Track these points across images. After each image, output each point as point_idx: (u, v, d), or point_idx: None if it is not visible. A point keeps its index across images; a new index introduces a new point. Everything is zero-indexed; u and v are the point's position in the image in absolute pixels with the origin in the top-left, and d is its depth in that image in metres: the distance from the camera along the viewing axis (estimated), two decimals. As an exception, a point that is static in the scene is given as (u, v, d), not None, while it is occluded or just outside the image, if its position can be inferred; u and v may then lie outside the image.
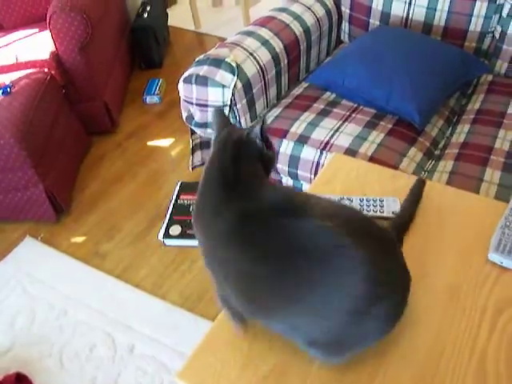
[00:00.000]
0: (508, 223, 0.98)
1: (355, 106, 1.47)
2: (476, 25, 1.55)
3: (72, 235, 1.86)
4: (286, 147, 1.37)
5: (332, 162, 1.17)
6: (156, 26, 2.76)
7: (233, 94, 1.35)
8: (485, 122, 1.40)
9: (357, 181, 1.06)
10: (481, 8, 1.53)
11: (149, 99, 2.51)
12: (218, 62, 1.36)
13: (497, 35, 1.57)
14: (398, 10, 1.65)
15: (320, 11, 1.68)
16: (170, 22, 3.12)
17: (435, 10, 1.58)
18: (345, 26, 1.80)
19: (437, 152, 1.40)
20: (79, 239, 1.84)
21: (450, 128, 1.48)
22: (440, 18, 1.59)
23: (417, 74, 1.40)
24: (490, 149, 1.30)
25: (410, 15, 1.63)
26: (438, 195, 1.06)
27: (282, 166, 1.40)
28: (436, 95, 1.41)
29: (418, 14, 1.62)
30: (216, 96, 1.35)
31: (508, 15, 1.52)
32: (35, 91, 1.83)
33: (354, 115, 1.43)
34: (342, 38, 1.84)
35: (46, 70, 1.97)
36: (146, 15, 2.77)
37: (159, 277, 1.68)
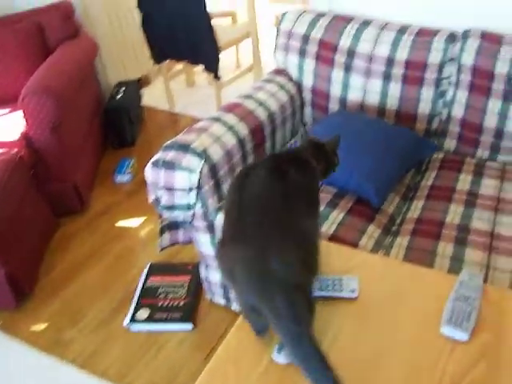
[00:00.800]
0: (458, 296, 1.10)
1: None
2: (424, 108, 1.79)
3: (34, 321, 1.90)
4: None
5: None
6: (130, 106, 2.98)
7: (199, 178, 1.48)
8: (437, 197, 1.57)
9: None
10: (427, 93, 1.76)
11: (119, 178, 2.66)
12: (185, 148, 1.51)
13: (444, 117, 1.79)
14: (354, 96, 1.88)
15: (284, 97, 1.89)
16: (145, 101, 3.38)
17: (387, 95, 1.82)
18: (307, 110, 2.02)
19: (394, 228, 1.55)
20: (41, 326, 1.88)
21: (406, 204, 1.64)
22: (392, 103, 1.82)
23: (374, 155, 1.58)
24: (442, 223, 1.46)
25: (366, 100, 1.86)
26: (394, 271, 1.18)
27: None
28: (392, 175, 1.59)
29: (372, 99, 1.85)
30: (183, 180, 1.48)
31: (452, 100, 1.75)
32: (1, 172, 1.91)
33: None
34: (305, 120, 2.05)
35: (15, 150, 2.07)
36: (119, 96, 3.00)
37: (125, 364, 1.71)
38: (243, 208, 0.91)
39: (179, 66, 3.47)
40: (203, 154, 1.50)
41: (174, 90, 3.51)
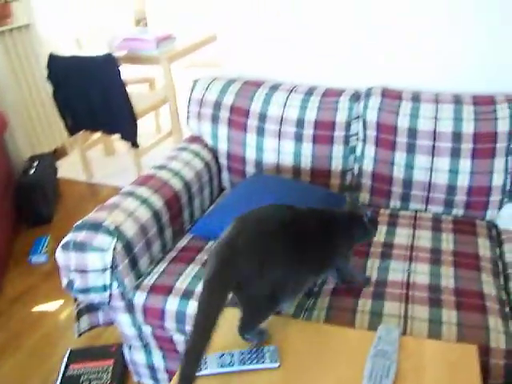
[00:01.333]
0: (377, 352, 1.15)
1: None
2: (337, 165, 1.90)
3: None
4: (171, 304, 1.49)
5: None
6: (44, 180, 2.93)
7: (113, 257, 1.48)
8: (354, 253, 1.61)
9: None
10: (338, 150, 1.89)
11: (35, 259, 2.56)
12: (96, 227, 1.51)
13: (356, 172, 1.92)
14: (269, 158, 1.97)
15: (199, 165, 1.95)
16: (62, 174, 3.34)
17: (300, 155, 1.92)
18: (224, 175, 2.09)
19: (315, 289, 1.58)
20: None
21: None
22: (306, 162, 1.92)
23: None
24: (364, 280, 1.51)
25: (281, 161, 1.96)
26: (315, 334, 1.22)
27: (169, 323, 1.50)
28: None
29: (287, 160, 1.94)
30: (96, 261, 1.47)
31: (361, 155, 1.88)
32: None
33: None
34: (223, 185, 2.12)
35: None
36: (32, 171, 2.95)
37: None
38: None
39: (97, 134, 3.49)
40: (115, 232, 1.50)
41: (93, 159, 3.51)
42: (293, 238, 1.24)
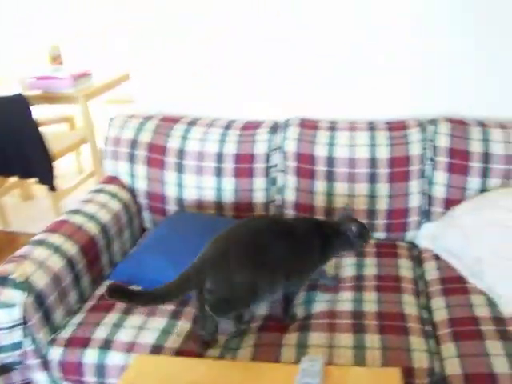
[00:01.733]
0: (301, 386, 1.16)
1: (161, 295, 1.65)
2: (259, 197, 1.94)
3: None
4: (90, 357, 1.45)
5: (134, 365, 1.28)
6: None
7: (23, 312, 1.41)
8: None
9: (162, 381, 1.17)
10: (260, 183, 1.93)
11: None
12: (2, 281, 1.44)
13: (278, 203, 1.96)
14: (190, 194, 1.98)
15: (116, 206, 1.92)
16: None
17: (222, 190, 1.94)
18: (145, 215, 2.07)
19: (243, 327, 1.57)
20: None
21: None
22: (228, 196, 1.94)
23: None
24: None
25: (202, 197, 1.97)
26: (240, 374, 1.22)
27: (89, 377, 1.45)
28: None
29: (209, 195, 1.96)
30: (3, 317, 1.40)
31: (283, 186, 1.93)
32: None
33: (159, 306, 1.58)
34: (145, 226, 2.09)
35: None
36: None
37: None
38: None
39: (12, 178, 3.37)
40: (24, 285, 1.44)
41: (9, 205, 3.37)
42: (262, 250, 1.44)
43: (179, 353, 1.43)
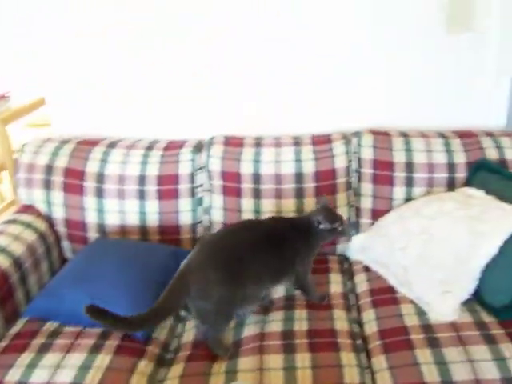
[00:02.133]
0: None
1: (79, 329, 1.57)
2: (186, 219, 1.93)
3: None
4: (3, 402, 1.36)
5: None
6: None
7: None
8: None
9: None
10: (185, 204, 1.91)
11: None
12: None
13: (206, 224, 1.96)
14: (111, 220, 1.93)
15: (31, 237, 1.84)
16: None
17: (146, 213, 1.91)
18: (65, 244, 1.99)
19: (169, 356, 1.56)
20: None
21: (181, 325, 1.68)
22: (153, 220, 1.92)
23: (132, 283, 1.60)
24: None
25: (125, 222, 1.93)
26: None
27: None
28: (154, 300, 1.53)
29: (132, 219, 1.93)
30: None
31: (209, 205, 1.93)
32: None
33: (78, 342, 1.53)
34: (66, 256, 2.01)
35: None
36: None
37: None
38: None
39: None
40: None
41: None
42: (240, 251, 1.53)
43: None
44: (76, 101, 2.16)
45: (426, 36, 1.96)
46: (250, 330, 1.55)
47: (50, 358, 1.47)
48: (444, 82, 2.03)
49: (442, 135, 1.94)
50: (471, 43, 1.96)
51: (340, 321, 1.57)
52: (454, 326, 1.49)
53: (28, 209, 1.97)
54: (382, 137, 1.92)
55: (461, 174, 1.86)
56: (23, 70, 3.28)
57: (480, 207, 1.65)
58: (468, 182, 1.84)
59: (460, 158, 1.87)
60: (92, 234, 1.95)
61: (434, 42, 1.96)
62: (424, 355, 1.40)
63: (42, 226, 1.92)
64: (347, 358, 1.43)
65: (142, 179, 1.91)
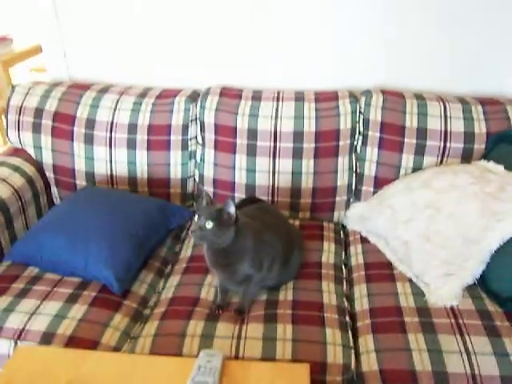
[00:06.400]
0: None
1: (59, 278, 1.50)
2: (176, 172, 1.80)
3: None
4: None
5: (16, 357, 1.18)
6: None
7: None
8: (194, 270, 1.55)
9: (43, 375, 1.08)
10: (176, 156, 1.78)
11: None
12: None
13: (197, 179, 1.83)
14: (101, 169, 1.82)
15: (18, 181, 1.74)
16: None
17: (135, 164, 1.79)
18: (54, 190, 1.90)
19: (146, 312, 1.47)
20: None
21: (163, 281, 1.59)
22: (142, 171, 1.80)
23: (114, 235, 1.50)
24: (197, 299, 1.43)
25: (114, 172, 1.81)
26: (126, 367, 1.12)
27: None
28: (134, 254, 1.51)
29: (121, 170, 1.81)
30: None
31: (201, 160, 1.80)
32: None
33: (56, 289, 1.46)
34: (54, 202, 1.92)
35: None
36: None
37: None
38: None
39: None
40: None
41: None
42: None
43: (72, 339, 1.30)
44: (71, 47, 2.00)
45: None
46: (233, 296, 1.44)
47: (27, 304, 1.40)
48: (469, 41, 1.79)
49: (462, 100, 1.73)
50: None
51: (328, 294, 1.44)
52: (453, 312, 1.34)
53: (18, 152, 1.88)
54: (393, 97, 1.73)
55: (479, 146, 1.66)
56: (25, 13, 3.14)
57: (498, 184, 1.47)
58: (487, 155, 1.64)
59: (480, 128, 1.66)
60: (81, 182, 1.85)
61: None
62: (417, 340, 1.27)
63: (30, 170, 1.82)
64: (332, 334, 1.31)
65: (132, 128, 1.78)
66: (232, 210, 1.29)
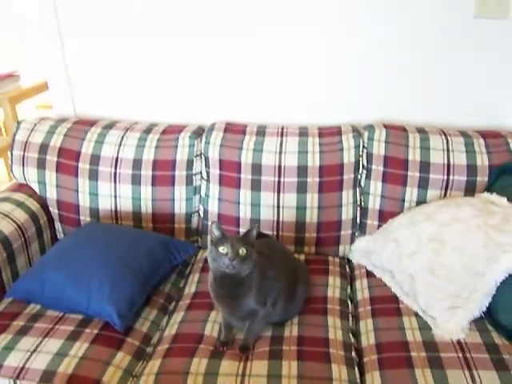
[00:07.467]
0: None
1: (60, 315, 1.48)
2: (180, 208, 1.80)
3: None
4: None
5: None
6: None
7: None
8: (198, 307, 1.53)
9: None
10: (180, 192, 1.79)
11: None
12: None
13: (201, 214, 1.83)
14: (105, 204, 1.83)
15: (22, 217, 1.74)
16: None
17: (139, 199, 1.79)
18: (57, 225, 1.90)
19: (149, 349, 1.45)
20: None
21: (166, 318, 1.56)
22: (146, 206, 1.80)
23: (116, 271, 1.49)
24: (201, 336, 1.40)
25: (118, 208, 1.81)
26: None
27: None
28: (137, 291, 1.49)
29: (125, 205, 1.81)
30: None
31: (205, 195, 1.80)
32: None
33: (57, 327, 1.44)
34: (58, 237, 1.91)
35: None
36: None
37: None
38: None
39: None
40: None
41: None
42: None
43: (72, 378, 1.27)
44: (77, 83, 2.04)
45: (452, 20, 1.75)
46: (237, 333, 1.42)
47: (28, 342, 1.38)
48: (468, 72, 1.81)
49: (463, 134, 1.74)
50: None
51: (334, 329, 1.42)
52: (460, 346, 1.31)
53: (22, 187, 1.88)
54: (396, 131, 1.74)
55: (482, 178, 1.66)
56: (32, 50, 3.19)
57: (501, 215, 1.46)
58: (490, 187, 1.64)
59: (482, 160, 1.67)
60: (85, 218, 1.85)
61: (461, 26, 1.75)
62: (424, 376, 1.23)
63: (34, 206, 1.83)
64: (338, 371, 1.28)
65: (137, 163, 1.79)
66: (255, 232, 1.33)
